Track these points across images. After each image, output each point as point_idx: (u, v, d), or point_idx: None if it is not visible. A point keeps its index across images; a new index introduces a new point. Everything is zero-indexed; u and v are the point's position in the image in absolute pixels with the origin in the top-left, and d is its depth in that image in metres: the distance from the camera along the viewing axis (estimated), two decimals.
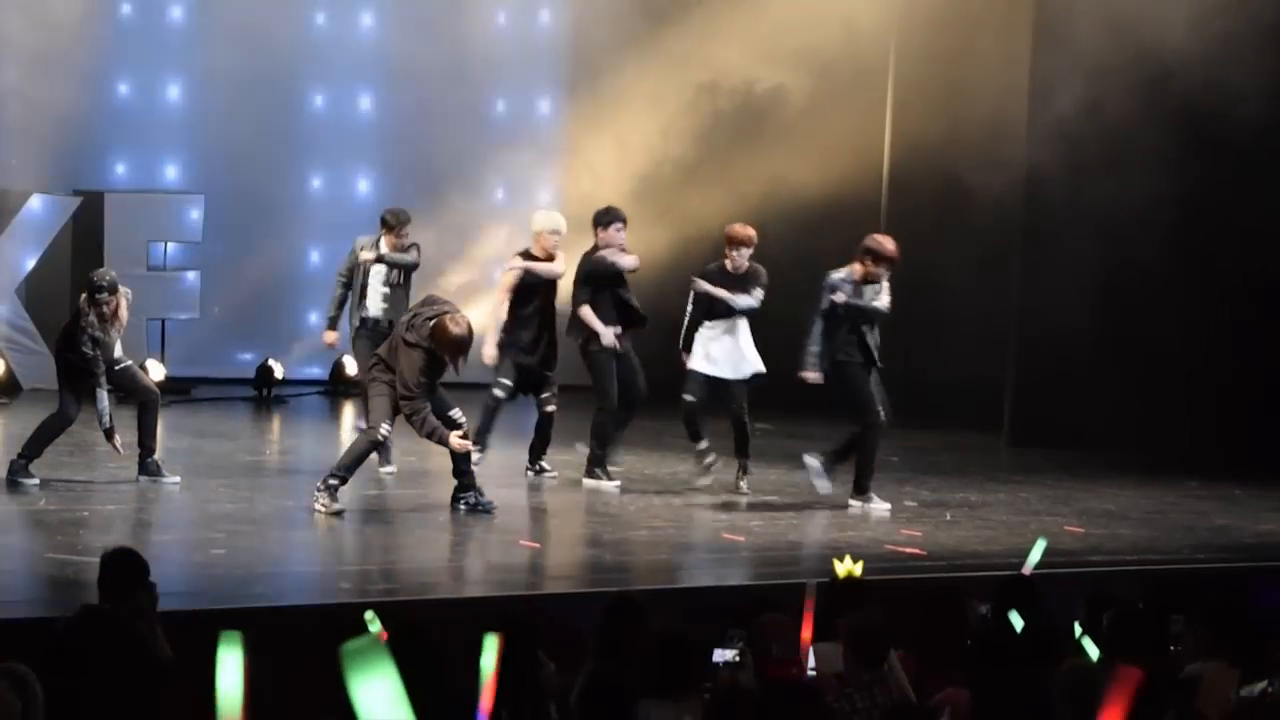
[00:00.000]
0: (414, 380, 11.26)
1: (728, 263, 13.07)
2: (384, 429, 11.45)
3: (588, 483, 13.13)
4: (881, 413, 12.60)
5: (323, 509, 11.24)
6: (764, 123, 17.90)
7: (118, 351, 12.12)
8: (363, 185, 19.47)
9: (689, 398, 13.05)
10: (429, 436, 11.40)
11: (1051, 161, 16.31)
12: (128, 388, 12.32)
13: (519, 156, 20.00)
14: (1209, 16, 15.04)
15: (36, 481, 11.82)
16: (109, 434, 11.95)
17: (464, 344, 11.29)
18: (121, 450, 12.01)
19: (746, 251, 13.03)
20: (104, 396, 11.91)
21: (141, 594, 7.01)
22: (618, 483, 13.14)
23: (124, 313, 12.08)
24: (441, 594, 9.53)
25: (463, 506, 11.65)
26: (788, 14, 17.09)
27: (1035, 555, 8.46)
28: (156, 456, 12.24)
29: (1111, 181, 16.11)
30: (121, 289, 12.11)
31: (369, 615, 5.79)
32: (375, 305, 13.32)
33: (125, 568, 7.04)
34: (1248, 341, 16.27)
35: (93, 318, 11.94)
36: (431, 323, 11.24)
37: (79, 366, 11.94)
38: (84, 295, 12.08)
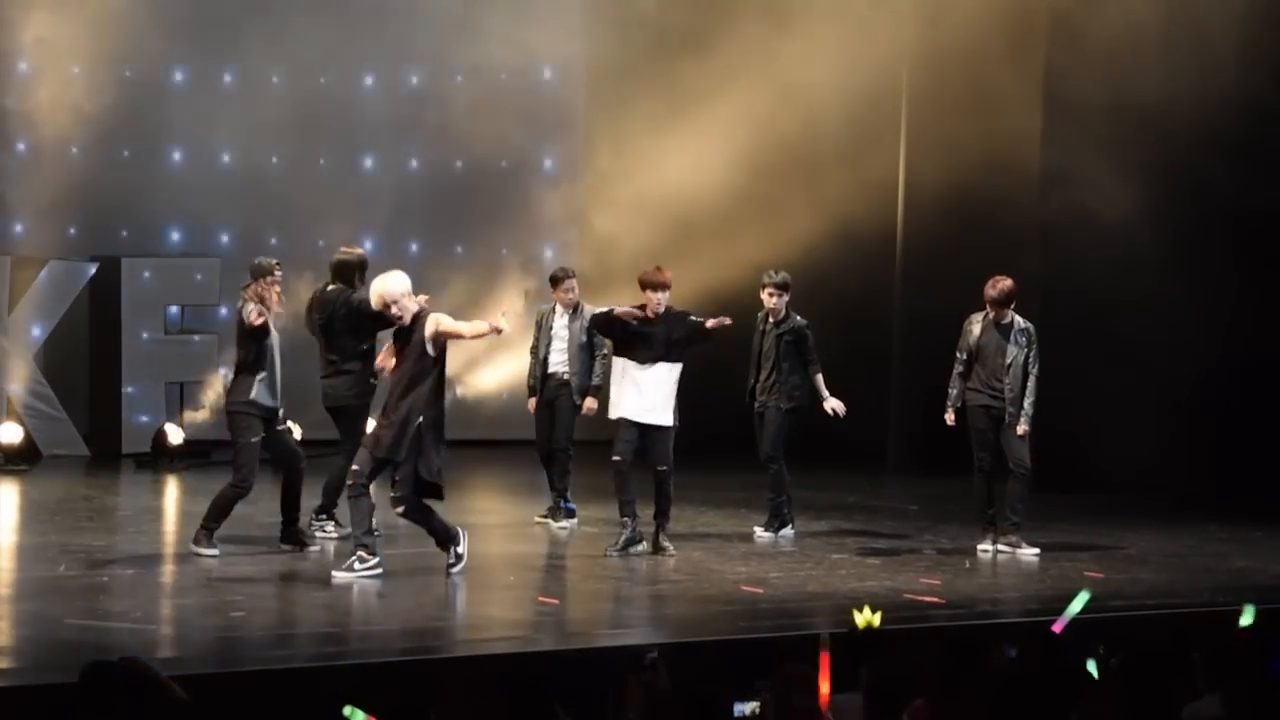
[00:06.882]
0: None
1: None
2: (353, 468, 11.56)
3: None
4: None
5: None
6: (775, 170, 17.91)
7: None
8: (368, 245, 19.50)
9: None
10: None
11: (1066, 199, 16.33)
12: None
13: (525, 210, 20.04)
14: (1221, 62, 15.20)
15: (216, 552, 11.77)
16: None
17: None
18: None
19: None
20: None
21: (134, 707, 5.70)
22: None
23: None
24: (459, 652, 9.53)
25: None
26: (795, 62, 17.14)
27: (1075, 608, 8.31)
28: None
29: (1129, 217, 16.08)
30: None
31: (348, 710, 5.64)
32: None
33: (103, 683, 5.72)
34: (1270, 385, 16.24)
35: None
36: None
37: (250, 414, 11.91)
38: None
